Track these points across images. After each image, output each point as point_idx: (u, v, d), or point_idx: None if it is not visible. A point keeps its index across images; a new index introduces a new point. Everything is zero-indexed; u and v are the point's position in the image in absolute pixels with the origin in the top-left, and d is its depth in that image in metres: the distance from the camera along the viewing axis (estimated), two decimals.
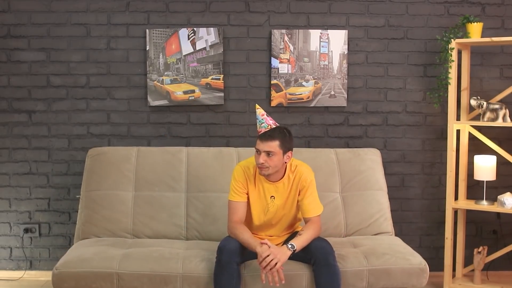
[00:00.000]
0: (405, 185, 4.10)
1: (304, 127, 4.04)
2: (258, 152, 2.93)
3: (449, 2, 4.02)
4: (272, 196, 3.05)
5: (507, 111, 3.72)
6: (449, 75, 3.74)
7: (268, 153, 2.89)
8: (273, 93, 4.00)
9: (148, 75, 3.97)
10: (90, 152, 3.74)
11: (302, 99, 4.01)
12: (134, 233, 3.51)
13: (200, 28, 3.95)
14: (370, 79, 4.05)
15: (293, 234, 3.12)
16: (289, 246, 2.84)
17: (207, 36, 3.96)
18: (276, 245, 3.00)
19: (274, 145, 2.89)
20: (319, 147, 3.99)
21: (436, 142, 4.09)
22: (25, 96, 3.99)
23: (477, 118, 3.92)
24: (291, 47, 3.98)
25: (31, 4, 3.94)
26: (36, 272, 4.07)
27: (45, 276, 4.01)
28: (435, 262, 4.04)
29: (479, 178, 3.79)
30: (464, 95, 3.92)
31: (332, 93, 4.02)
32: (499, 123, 3.69)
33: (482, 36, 3.79)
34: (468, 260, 4.06)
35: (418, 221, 4.13)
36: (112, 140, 4.02)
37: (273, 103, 4.00)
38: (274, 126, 2.98)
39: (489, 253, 4.00)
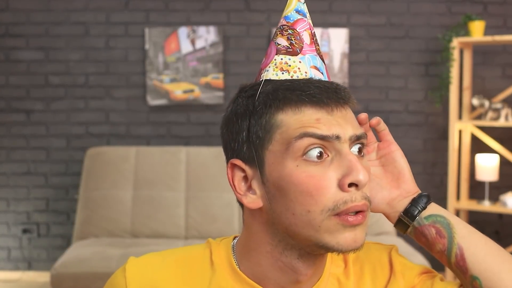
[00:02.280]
0: None
1: None
2: (337, 141, 0.80)
3: (450, 0, 3.99)
4: None
5: (510, 110, 3.69)
6: (451, 74, 3.72)
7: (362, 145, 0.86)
8: None
9: (147, 74, 3.94)
10: (89, 152, 3.72)
11: None
12: (133, 233, 3.49)
13: (200, 27, 3.92)
14: (371, 78, 4.02)
15: None
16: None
17: (207, 35, 3.93)
18: None
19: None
20: None
21: (437, 141, 4.06)
22: (23, 95, 3.96)
23: (479, 117, 3.89)
24: None
25: (30, 2, 3.91)
26: (35, 273, 4.04)
27: (43, 277, 3.97)
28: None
29: (481, 178, 3.76)
30: (466, 94, 3.90)
31: None
32: (502, 122, 3.66)
33: (484, 35, 3.76)
34: None
35: None
36: (111, 140, 4.00)
37: None
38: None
39: None
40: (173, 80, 3.95)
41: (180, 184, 3.61)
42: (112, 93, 3.98)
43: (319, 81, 0.83)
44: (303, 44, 0.85)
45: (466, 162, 3.89)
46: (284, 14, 0.87)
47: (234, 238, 0.93)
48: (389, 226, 3.58)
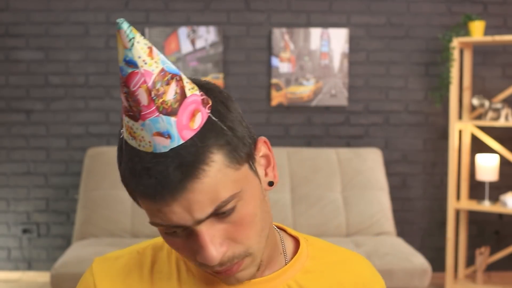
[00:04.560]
0: (406, 185, 4.07)
1: (304, 126, 4.01)
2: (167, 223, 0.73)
3: (450, 0, 3.99)
4: None
5: (510, 110, 3.69)
6: (451, 74, 3.72)
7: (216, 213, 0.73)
8: (273, 92, 3.97)
9: None
10: (89, 152, 3.72)
11: (303, 98, 3.98)
12: (133, 233, 3.49)
13: (200, 27, 3.92)
14: (371, 78, 4.02)
15: None
16: None
17: (207, 35, 3.93)
18: None
19: (213, 175, 0.70)
20: (319, 147, 3.96)
21: (437, 141, 4.06)
22: (23, 95, 3.96)
23: (479, 117, 3.89)
24: (292, 46, 3.95)
25: (30, 2, 3.92)
26: (35, 273, 4.04)
27: (43, 277, 3.98)
28: (437, 263, 4.01)
29: (481, 178, 3.76)
30: (466, 94, 3.90)
31: (333, 92, 3.99)
32: (502, 122, 3.66)
33: (484, 35, 3.76)
34: (470, 261, 4.03)
35: (420, 221, 4.10)
36: (111, 140, 4.00)
37: (273, 103, 3.98)
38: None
39: (491, 254, 3.97)
40: None
41: None
42: (112, 93, 3.98)
43: (157, 163, 0.69)
44: (140, 106, 0.68)
45: (466, 162, 3.89)
46: (119, 61, 0.68)
47: None
48: (389, 226, 3.57)
